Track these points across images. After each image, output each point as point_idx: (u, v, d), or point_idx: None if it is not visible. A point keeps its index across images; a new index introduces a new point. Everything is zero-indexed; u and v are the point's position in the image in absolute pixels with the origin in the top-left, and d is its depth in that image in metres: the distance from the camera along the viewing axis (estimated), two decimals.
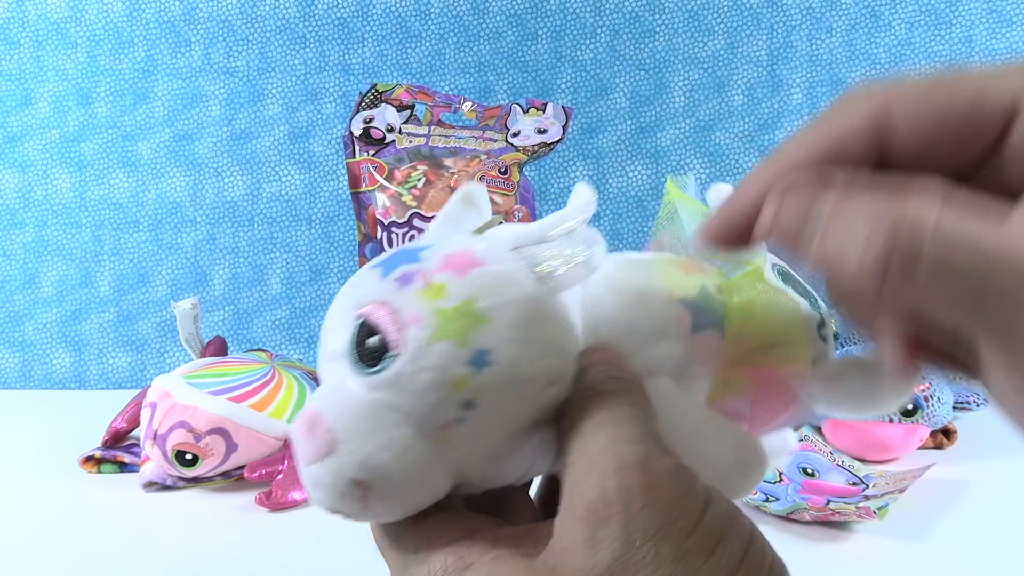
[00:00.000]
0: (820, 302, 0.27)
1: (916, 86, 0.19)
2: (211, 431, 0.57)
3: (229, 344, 0.74)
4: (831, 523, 0.51)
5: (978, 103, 0.19)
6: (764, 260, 0.26)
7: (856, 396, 0.25)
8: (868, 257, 0.17)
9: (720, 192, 0.27)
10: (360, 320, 0.23)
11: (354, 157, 0.68)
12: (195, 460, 0.57)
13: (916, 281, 0.16)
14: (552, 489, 0.27)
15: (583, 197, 0.25)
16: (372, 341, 0.22)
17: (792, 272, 0.27)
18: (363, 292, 0.23)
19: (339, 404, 0.22)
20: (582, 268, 0.23)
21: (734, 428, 0.25)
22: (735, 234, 0.21)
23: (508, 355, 0.22)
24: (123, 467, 0.63)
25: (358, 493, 0.22)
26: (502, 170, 0.66)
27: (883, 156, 0.20)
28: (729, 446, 0.25)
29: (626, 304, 0.25)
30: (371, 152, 0.67)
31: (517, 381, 0.22)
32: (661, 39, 0.90)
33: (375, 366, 0.22)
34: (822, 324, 0.26)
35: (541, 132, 0.68)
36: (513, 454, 0.23)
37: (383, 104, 0.69)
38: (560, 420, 0.23)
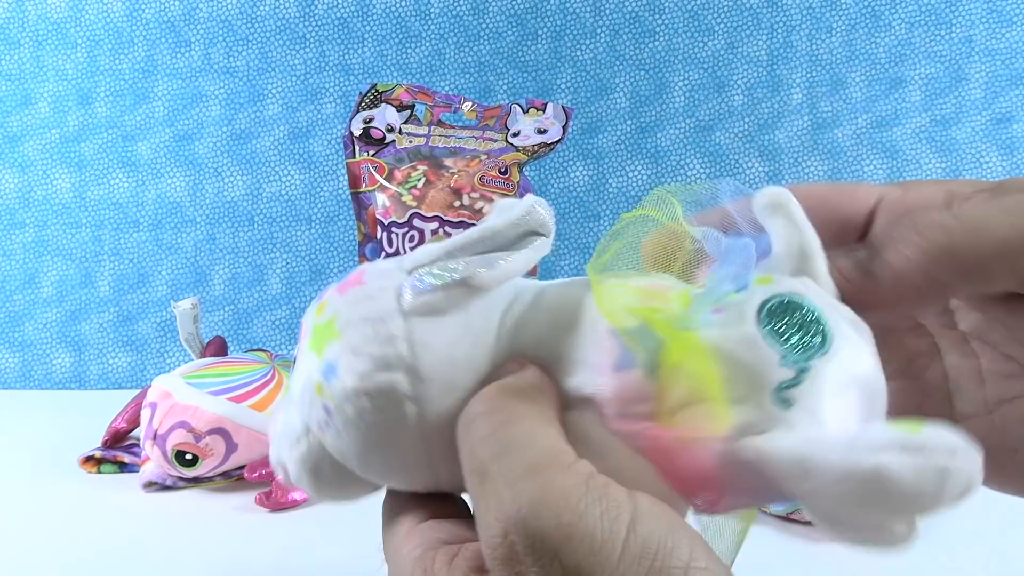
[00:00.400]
0: (810, 358, 0.20)
1: (815, 189, 0.24)
2: (211, 431, 0.57)
3: (229, 344, 0.74)
4: None
5: (840, 206, 0.24)
6: (749, 296, 0.22)
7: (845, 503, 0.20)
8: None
9: (772, 195, 0.24)
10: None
11: (354, 157, 0.68)
12: (195, 460, 0.57)
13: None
14: None
15: (523, 205, 0.24)
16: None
17: (802, 307, 0.21)
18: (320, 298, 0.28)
19: (281, 401, 0.29)
20: (453, 289, 0.23)
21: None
22: None
23: (346, 368, 0.23)
24: (123, 467, 0.63)
25: (286, 472, 0.27)
26: (502, 170, 0.66)
27: None
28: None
29: (556, 328, 0.24)
30: (371, 152, 0.67)
31: (359, 394, 0.23)
32: (661, 39, 0.90)
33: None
34: (787, 386, 0.20)
35: (541, 132, 0.68)
36: (378, 467, 0.25)
37: (383, 104, 0.69)
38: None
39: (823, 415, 0.20)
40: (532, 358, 0.23)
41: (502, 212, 0.24)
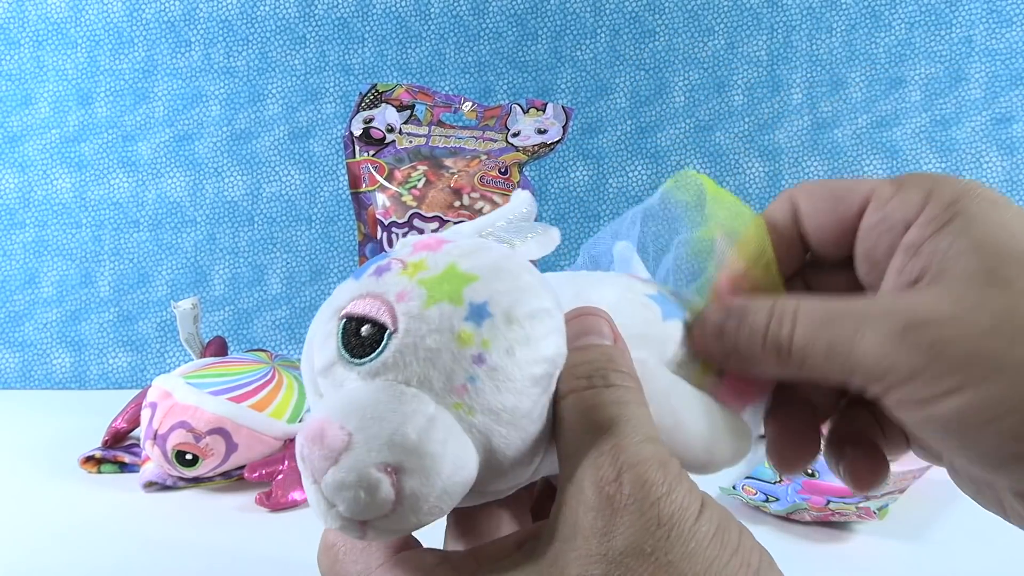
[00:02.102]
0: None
1: (815, 186, 0.29)
2: (211, 431, 0.57)
3: (229, 344, 0.74)
4: (831, 523, 0.51)
5: (843, 198, 0.28)
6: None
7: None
8: (765, 343, 0.26)
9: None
10: (343, 319, 0.23)
11: (354, 157, 0.68)
12: (195, 460, 0.57)
13: (795, 350, 0.25)
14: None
15: (521, 197, 0.27)
16: (364, 330, 0.22)
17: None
18: (339, 298, 0.24)
19: (343, 402, 0.21)
20: (543, 239, 0.26)
21: (717, 404, 0.26)
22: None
23: (503, 303, 0.22)
24: (123, 467, 0.63)
25: (389, 481, 0.20)
26: (502, 170, 0.66)
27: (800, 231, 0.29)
28: (715, 418, 0.26)
29: (602, 299, 0.26)
30: (371, 152, 0.67)
31: (517, 325, 0.22)
32: (661, 39, 0.90)
33: (372, 353, 0.22)
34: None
35: (541, 132, 0.68)
36: (530, 429, 0.23)
37: (383, 104, 0.69)
38: (559, 412, 0.23)
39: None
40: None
41: (518, 204, 0.27)
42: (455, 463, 0.21)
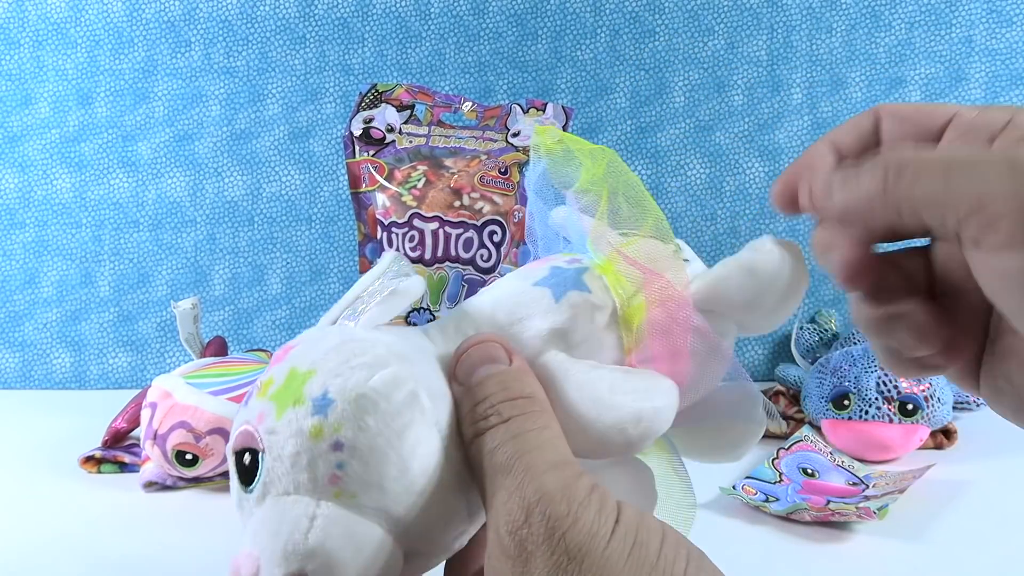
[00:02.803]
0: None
1: (900, 105, 0.29)
2: (211, 431, 0.57)
3: (229, 344, 0.74)
4: (831, 523, 0.51)
5: (929, 114, 0.28)
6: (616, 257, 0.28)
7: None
8: (874, 174, 0.24)
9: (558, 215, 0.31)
10: (233, 455, 0.25)
11: (354, 157, 0.68)
12: (195, 460, 0.57)
13: (905, 179, 0.23)
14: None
15: (385, 257, 0.28)
16: (246, 459, 0.24)
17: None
18: (233, 432, 0.25)
19: (251, 530, 0.23)
20: (394, 300, 0.26)
21: (639, 374, 0.26)
22: (788, 200, 0.29)
23: (340, 385, 0.23)
24: (123, 467, 0.63)
25: None
26: (502, 170, 0.66)
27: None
28: (637, 386, 0.25)
29: (493, 305, 0.27)
30: (371, 152, 0.67)
31: (361, 398, 0.23)
32: (661, 39, 0.90)
33: (255, 478, 0.23)
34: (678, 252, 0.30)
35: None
36: (428, 483, 0.23)
37: (383, 104, 0.69)
38: (470, 457, 0.24)
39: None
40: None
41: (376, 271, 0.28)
42: (355, 548, 0.22)
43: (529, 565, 0.21)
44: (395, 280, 0.26)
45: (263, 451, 0.23)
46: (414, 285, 0.27)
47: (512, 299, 0.27)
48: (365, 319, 0.26)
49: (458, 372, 0.25)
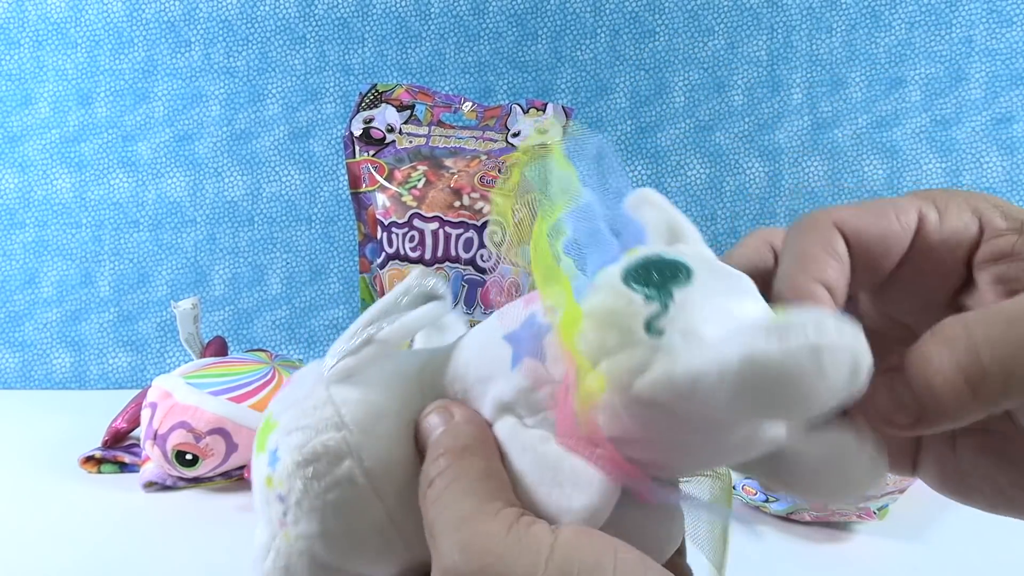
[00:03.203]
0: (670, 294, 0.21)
1: (857, 210, 0.24)
2: (211, 431, 0.57)
3: (229, 344, 0.74)
4: (831, 523, 0.51)
5: (892, 222, 0.24)
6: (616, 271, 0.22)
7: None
8: (946, 378, 0.20)
9: (644, 197, 0.25)
10: None
11: (354, 157, 0.68)
12: (195, 460, 0.57)
13: (993, 373, 0.20)
14: None
15: (413, 274, 0.27)
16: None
17: (663, 257, 0.22)
18: None
19: None
20: (362, 350, 0.25)
21: (567, 466, 0.22)
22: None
23: (285, 447, 0.25)
24: (123, 467, 0.63)
25: None
26: (502, 170, 0.66)
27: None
28: (554, 489, 0.22)
29: (468, 357, 0.25)
30: (371, 152, 0.67)
31: (300, 465, 0.24)
32: (661, 39, 0.90)
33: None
34: (655, 317, 0.20)
35: (541, 132, 0.68)
36: (347, 539, 0.25)
37: (383, 104, 0.69)
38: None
39: (701, 332, 0.19)
40: (455, 394, 0.25)
41: (406, 281, 0.27)
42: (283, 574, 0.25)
43: None
44: (417, 299, 0.26)
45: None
46: (431, 311, 0.26)
47: (482, 354, 0.25)
48: (365, 353, 0.26)
49: (420, 433, 0.24)
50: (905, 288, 0.25)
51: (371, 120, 0.68)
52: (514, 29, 0.90)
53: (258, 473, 0.25)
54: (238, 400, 0.59)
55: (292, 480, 0.24)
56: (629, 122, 0.90)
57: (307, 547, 0.25)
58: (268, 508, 0.25)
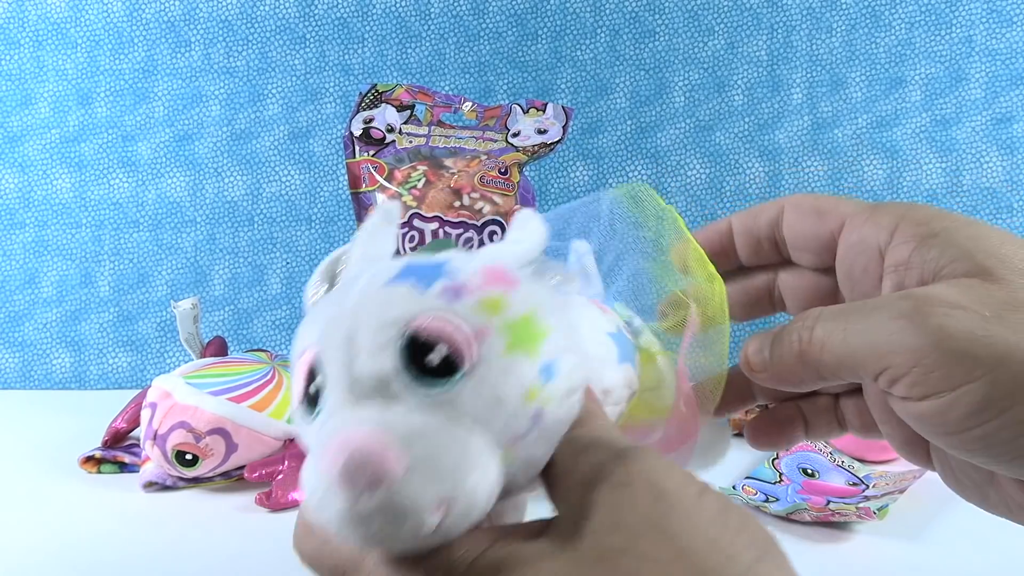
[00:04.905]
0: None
1: (803, 199, 0.31)
2: (211, 431, 0.57)
3: (229, 344, 0.74)
4: (831, 523, 0.51)
5: (825, 215, 0.30)
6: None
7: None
8: (789, 346, 0.28)
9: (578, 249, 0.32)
10: (410, 336, 0.21)
11: (354, 157, 0.68)
12: (195, 460, 0.57)
13: (814, 347, 0.27)
14: None
15: (532, 226, 0.26)
16: (436, 356, 0.21)
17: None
18: (400, 309, 0.22)
19: (403, 428, 0.21)
20: (579, 279, 0.27)
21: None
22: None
23: (566, 365, 0.22)
24: (123, 467, 0.63)
25: (436, 515, 0.20)
26: (502, 170, 0.66)
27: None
28: None
29: (587, 336, 0.27)
30: (371, 152, 0.67)
31: (572, 390, 0.23)
32: (661, 39, 0.90)
33: (440, 382, 0.21)
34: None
35: (541, 132, 0.68)
36: (534, 474, 0.23)
37: (383, 104, 0.69)
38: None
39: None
40: None
41: (531, 235, 0.26)
42: (488, 503, 0.21)
43: (623, 493, 0.21)
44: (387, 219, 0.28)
45: (469, 369, 0.21)
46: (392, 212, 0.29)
47: (595, 338, 0.28)
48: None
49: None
50: (845, 283, 0.30)
51: (371, 120, 0.68)
52: (514, 29, 0.90)
53: (515, 374, 0.21)
54: (238, 400, 0.59)
55: (560, 407, 0.22)
56: (629, 122, 0.90)
57: (517, 470, 0.22)
58: (509, 419, 0.21)
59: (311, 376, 0.23)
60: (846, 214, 0.29)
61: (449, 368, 0.21)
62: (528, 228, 0.25)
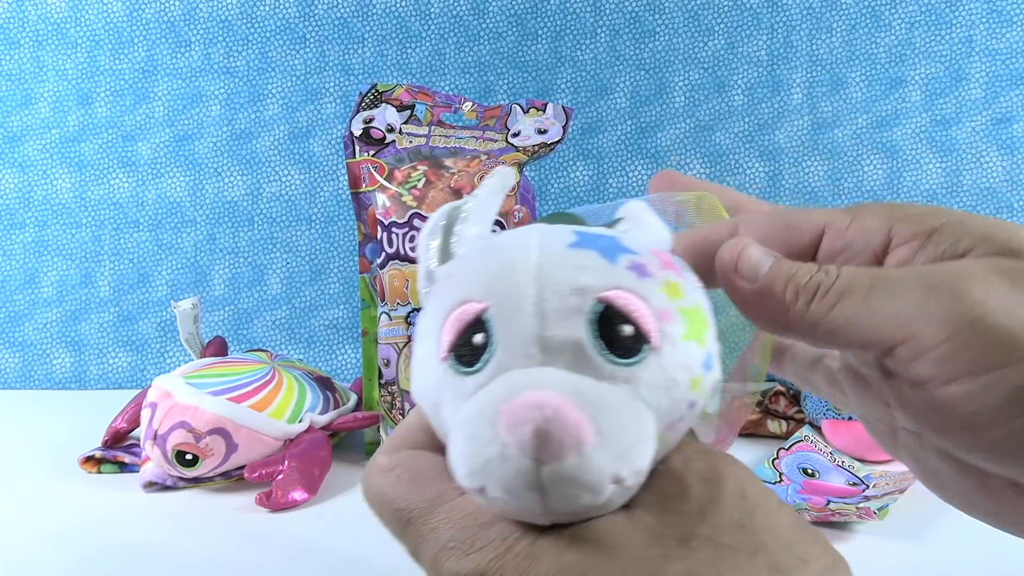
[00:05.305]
0: None
1: (762, 217, 0.28)
2: (211, 431, 0.57)
3: (229, 344, 0.74)
4: (831, 523, 0.51)
5: (795, 227, 0.27)
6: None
7: None
8: (807, 282, 0.25)
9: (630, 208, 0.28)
10: (602, 306, 0.21)
11: (354, 157, 0.68)
12: (195, 460, 0.57)
13: (833, 290, 0.24)
14: None
15: (650, 217, 0.26)
16: (627, 330, 0.21)
17: None
18: (592, 277, 0.22)
19: (592, 396, 0.20)
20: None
21: None
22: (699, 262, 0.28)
23: (717, 361, 0.23)
24: (123, 467, 0.63)
25: (610, 491, 0.20)
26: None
27: None
28: None
29: None
30: (371, 152, 0.67)
31: (716, 385, 0.23)
32: (661, 39, 0.90)
33: (628, 356, 0.21)
34: None
35: (541, 132, 0.68)
36: None
37: (383, 104, 0.69)
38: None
39: None
40: None
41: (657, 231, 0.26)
42: (640, 485, 0.22)
43: (713, 488, 0.22)
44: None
45: (654, 349, 0.21)
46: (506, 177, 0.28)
47: None
48: None
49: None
50: None
51: (371, 120, 0.68)
52: (514, 29, 0.90)
53: (685, 363, 0.22)
54: (238, 400, 0.59)
55: (707, 399, 0.23)
56: (629, 122, 0.90)
57: (657, 455, 0.22)
58: (674, 404, 0.22)
59: (473, 329, 0.22)
60: (820, 222, 0.26)
61: (635, 344, 0.21)
62: (646, 219, 0.26)
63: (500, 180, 0.28)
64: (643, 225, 0.26)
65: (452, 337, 0.22)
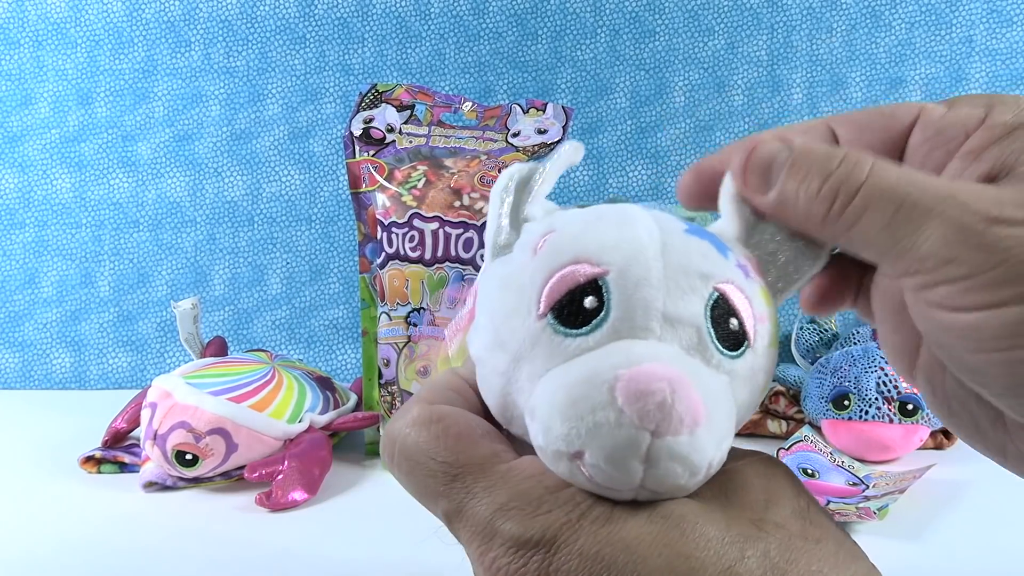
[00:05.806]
0: None
1: (856, 112, 0.27)
2: (211, 431, 0.57)
3: (229, 344, 0.74)
4: None
5: (891, 116, 0.26)
6: None
7: None
8: (823, 186, 0.22)
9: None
10: (717, 296, 0.22)
11: (354, 157, 0.68)
12: (195, 460, 0.57)
13: (855, 203, 0.22)
14: None
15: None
16: (735, 323, 0.22)
17: None
18: (712, 266, 0.22)
19: (704, 382, 0.21)
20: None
21: None
22: (703, 189, 0.27)
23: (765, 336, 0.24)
24: (123, 467, 0.63)
25: (704, 475, 0.21)
26: (502, 170, 0.66)
27: None
28: None
29: None
30: (371, 152, 0.67)
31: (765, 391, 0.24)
32: (661, 39, 0.90)
33: (733, 349, 0.22)
34: None
35: (541, 132, 0.68)
36: None
37: (383, 104, 0.69)
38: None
39: None
40: None
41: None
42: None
43: (774, 482, 0.23)
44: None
45: (751, 347, 0.22)
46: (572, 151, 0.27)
47: None
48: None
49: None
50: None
51: (371, 120, 0.68)
52: (514, 29, 0.90)
53: (767, 367, 0.23)
54: (238, 400, 0.59)
55: (768, 360, 0.23)
56: (629, 122, 0.90)
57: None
58: (749, 404, 0.23)
59: (584, 291, 0.21)
60: (916, 109, 0.25)
61: (739, 340, 0.22)
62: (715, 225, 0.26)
63: (572, 150, 0.27)
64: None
65: (557, 295, 0.21)
